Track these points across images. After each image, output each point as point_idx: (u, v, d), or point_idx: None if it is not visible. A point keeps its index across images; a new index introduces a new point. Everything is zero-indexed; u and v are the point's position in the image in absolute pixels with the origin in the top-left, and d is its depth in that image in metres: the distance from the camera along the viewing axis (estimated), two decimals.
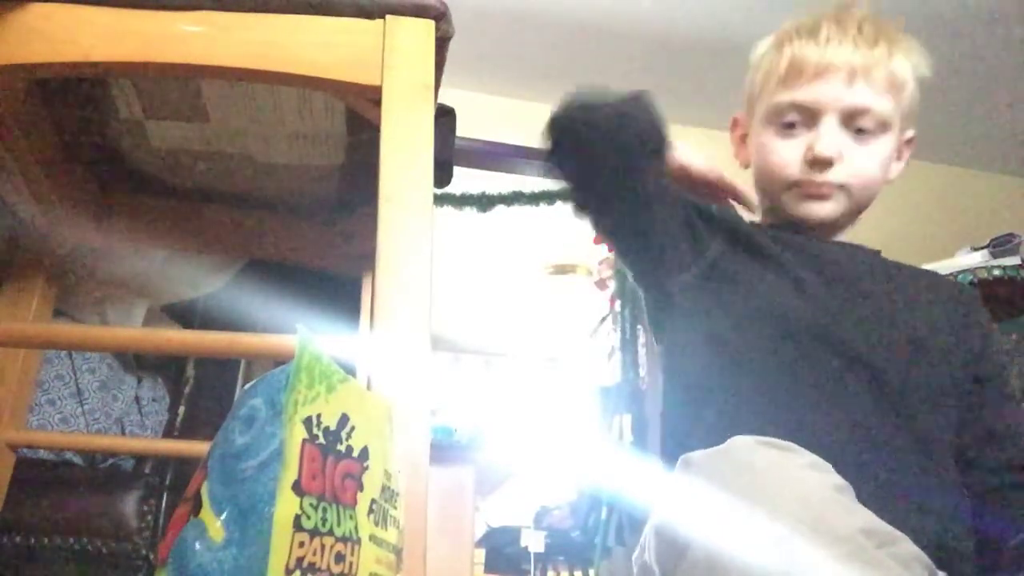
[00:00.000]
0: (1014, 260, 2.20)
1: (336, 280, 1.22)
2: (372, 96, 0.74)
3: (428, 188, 0.72)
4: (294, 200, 1.12)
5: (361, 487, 0.37)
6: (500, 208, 3.58)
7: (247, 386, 0.37)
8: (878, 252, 0.91)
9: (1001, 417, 0.82)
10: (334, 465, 0.35)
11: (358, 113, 0.82)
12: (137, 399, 1.28)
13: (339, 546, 0.35)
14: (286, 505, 0.32)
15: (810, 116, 0.86)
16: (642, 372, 2.45)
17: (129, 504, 1.14)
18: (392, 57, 0.74)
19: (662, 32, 2.90)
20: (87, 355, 1.24)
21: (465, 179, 3.41)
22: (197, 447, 1.13)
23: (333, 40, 0.74)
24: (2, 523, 1.04)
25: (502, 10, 2.83)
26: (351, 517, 0.36)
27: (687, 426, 0.78)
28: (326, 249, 1.15)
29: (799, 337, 0.78)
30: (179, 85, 0.88)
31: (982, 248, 2.29)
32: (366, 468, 0.38)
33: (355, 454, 0.37)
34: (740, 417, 0.74)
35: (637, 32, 2.91)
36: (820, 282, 0.83)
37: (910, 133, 0.93)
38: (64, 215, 1.00)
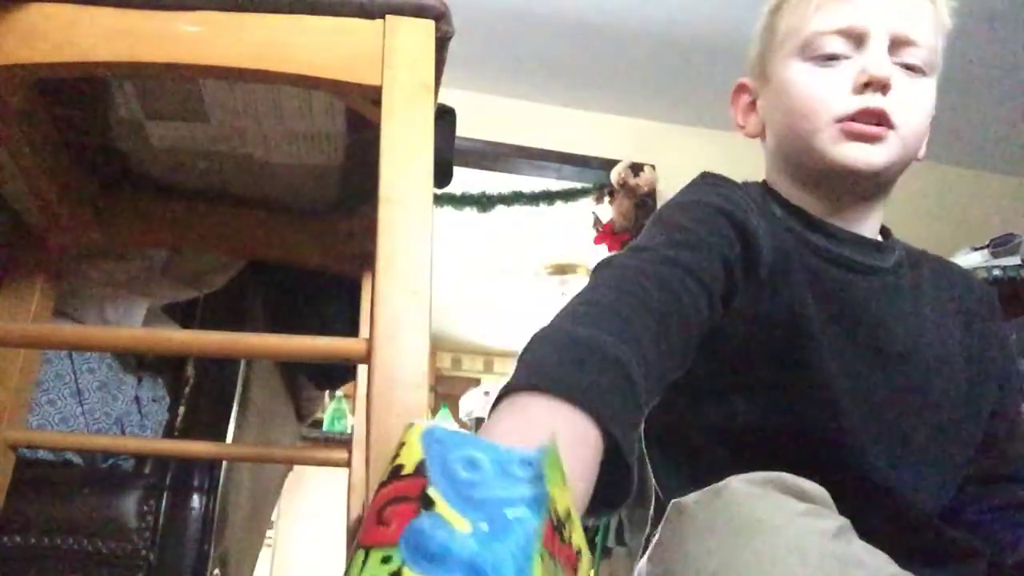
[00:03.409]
0: (1014, 260, 2.20)
1: (336, 280, 1.22)
2: (372, 96, 0.74)
3: (428, 188, 0.72)
4: (294, 200, 1.12)
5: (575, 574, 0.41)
6: (500, 208, 3.58)
7: (442, 429, 0.40)
8: (891, 244, 0.83)
9: (1012, 454, 0.82)
10: (561, 548, 0.39)
11: (358, 113, 0.82)
12: (137, 399, 1.28)
13: None
14: (538, 548, 0.35)
15: (856, 40, 0.75)
16: None
17: (129, 504, 1.14)
18: (392, 57, 0.74)
19: (663, 32, 2.90)
20: (87, 355, 1.24)
21: (465, 179, 3.41)
22: (197, 447, 1.13)
23: (333, 40, 0.74)
24: (2, 523, 1.04)
25: (502, 10, 2.83)
26: None
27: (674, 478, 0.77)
28: (326, 249, 1.15)
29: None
30: (179, 85, 0.88)
31: (982, 248, 2.29)
32: (579, 566, 0.41)
33: (574, 547, 0.40)
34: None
35: (638, 32, 2.91)
36: (838, 350, 0.73)
37: None
38: (64, 215, 1.00)
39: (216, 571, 1.21)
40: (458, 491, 0.37)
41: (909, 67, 0.76)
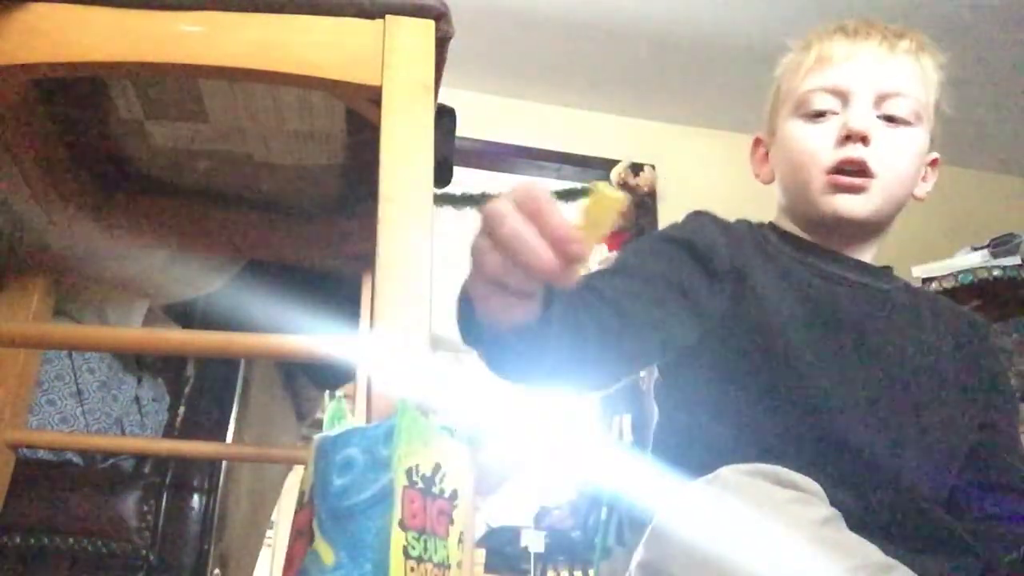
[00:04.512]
0: (1014, 260, 2.20)
1: (336, 280, 1.22)
2: (372, 96, 0.74)
3: (428, 188, 0.72)
4: (294, 200, 1.12)
5: (452, 521, 0.45)
6: None
7: (334, 435, 0.43)
8: (890, 274, 0.89)
9: (1006, 473, 0.83)
10: (432, 504, 0.44)
11: (358, 113, 0.82)
12: (137, 399, 1.28)
13: (436, 571, 0.43)
14: (396, 539, 0.40)
15: (841, 98, 0.83)
16: (642, 372, 2.45)
17: (129, 504, 1.14)
18: (392, 57, 0.74)
19: (663, 32, 2.90)
20: (87, 355, 1.24)
21: (465, 179, 3.41)
22: (197, 447, 1.13)
23: (333, 40, 0.74)
24: (2, 523, 1.04)
25: (502, 10, 2.83)
26: (444, 547, 0.44)
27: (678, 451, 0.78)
28: (326, 249, 1.15)
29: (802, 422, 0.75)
30: (179, 85, 0.88)
31: (982, 248, 2.29)
32: (455, 506, 0.45)
33: (447, 495, 0.45)
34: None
35: (638, 32, 2.90)
36: (819, 349, 0.77)
37: (934, 155, 0.91)
38: (64, 215, 1.00)
39: (216, 571, 1.21)
40: (332, 510, 0.41)
41: (892, 119, 0.82)
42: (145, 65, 0.74)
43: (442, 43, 0.77)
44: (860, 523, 0.59)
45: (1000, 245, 2.27)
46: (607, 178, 3.28)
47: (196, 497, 1.16)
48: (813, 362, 0.76)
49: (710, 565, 0.49)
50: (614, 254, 0.82)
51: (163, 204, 1.10)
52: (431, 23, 0.76)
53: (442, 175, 0.86)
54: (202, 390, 1.26)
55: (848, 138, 0.81)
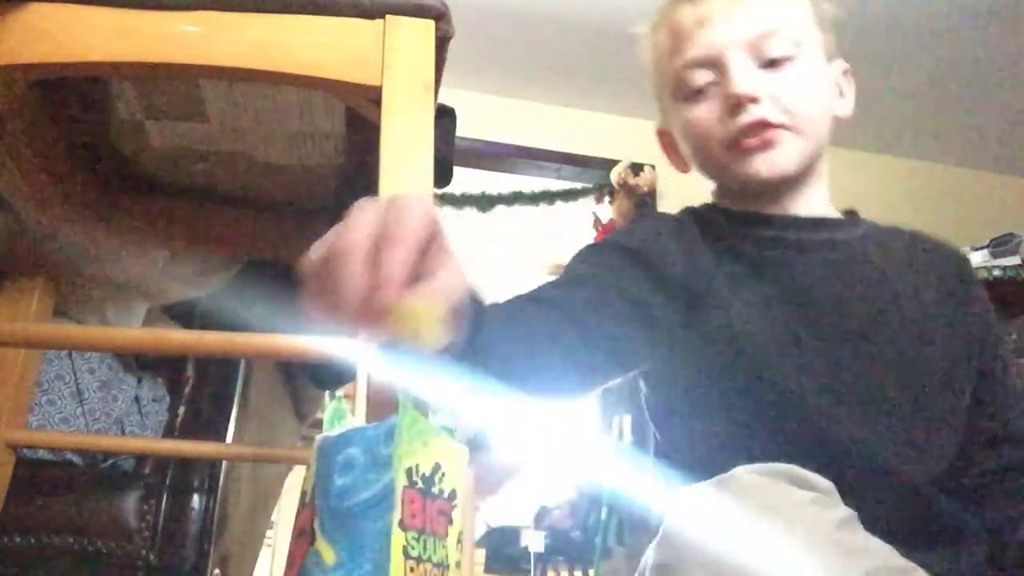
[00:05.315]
0: (1014, 260, 2.20)
1: None
2: (372, 96, 0.74)
3: (428, 188, 0.72)
4: (294, 200, 1.12)
5: (451, 521, 0.46)
6: (500, 208, 3.58)
7: (335, 435, 0.43)
8: (854, 219, 0.83)
9: (1006, 416, 0.80)
10: (431, 504, 0.44)
11: (358, 113, 0.82)
12: (137, 399, 1.28)
13: (435, 571, 0.44)
14: (396, 539, 0.41)
15: (713, 66, 0.77)
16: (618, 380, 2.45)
17: (129, 504, 1.14)
18: (392, 57, 0.74)
19: None
20: (87, 355, 1.24)
21: (465, 179, 3.41)
22: (197, 447, 1.13)
23: (333, 40, 0.74)
24: (2, 523, 1.04)
25: (502, 10, 2.83)
26: (443, 547, 0.45)
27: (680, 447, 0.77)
28: None
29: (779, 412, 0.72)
30: (179, 85, 0.88)
31: (982, 248, 2.29)
32: (454, 506, 0.46)
33: (446, 495, 0.46)
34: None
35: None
36: (783, 341, 0.73)
37: (842, 65, 0.84)
38: (64, 215, 1.00)
39: (216, 571, 1.21)
40: (333, 510, 0.41)
41: (774, 61, 0.77)
42: (145, 65, 0.74)
43: (442, 43, 0.77)
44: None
45: (1000, 245, 2.27)
46: (607, 178, 3.28)
47: (196, 497, 1.16)
48: (779, 360, 0.72)
49: (729, 567, 0.48)
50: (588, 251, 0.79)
51: (163, 204, 1.10)
52: (431, 23, 0.76)
53: (442, 175, 0.86)
54: (202, 390, 1.25)
55: (736, 105, 0.75)
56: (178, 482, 1.17)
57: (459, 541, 0.46)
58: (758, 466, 0.54)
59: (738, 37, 0.76)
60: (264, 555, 2.39)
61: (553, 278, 0.75)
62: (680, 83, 0.79)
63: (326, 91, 0.83)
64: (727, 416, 0.73)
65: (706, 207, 0.85)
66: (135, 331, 1.17)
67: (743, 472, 0.53)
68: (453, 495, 0.46)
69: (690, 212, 0.85)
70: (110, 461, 1.22)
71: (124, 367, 1.29)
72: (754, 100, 0.75)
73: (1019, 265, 2.18)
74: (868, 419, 0.72)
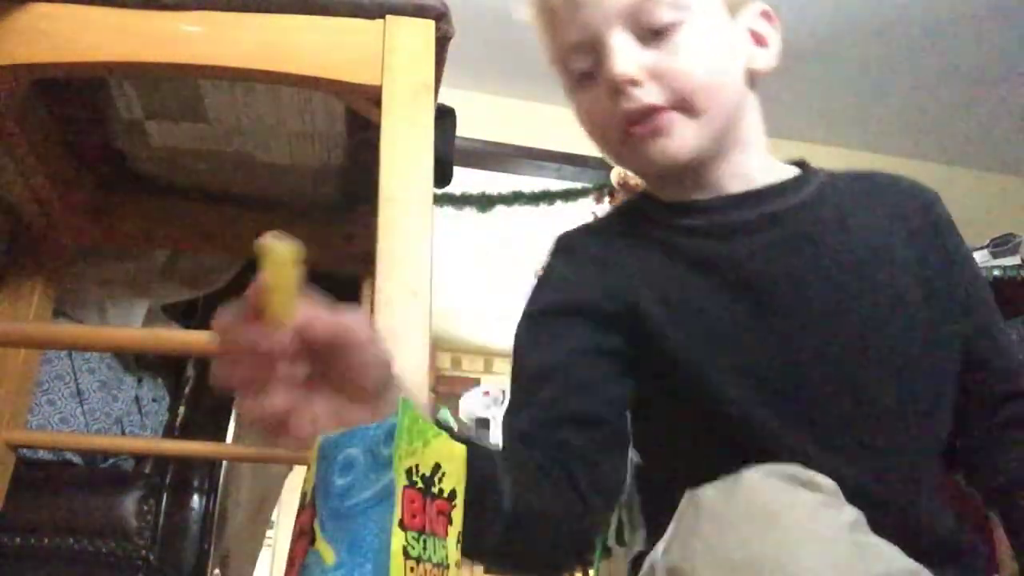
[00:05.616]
0: (1014, 260, 2.20)
1: (336, 280, 1.22)
2: (372, 96, 0.74)
3: (428, 188, 0.72)
4: (294, 200, 1.12)
5: (451, 521, 0.46)
6: (500, 208, 3.58)
7: (335, 435, 0.44)
8: (804, 176, 0.73)
9: (1004, 372, 0.73)
10: (431, 504, 0.45)
11: (358, 113, 0.82)
12: (137, 399, 1.28)
13: (435, 571, 0.44)
14: (396, 539, 0.41)
15: (590, 49, 0.68)
16: None
17: (129, 504, 1.14)
18: (392, 57, 0.74)
19: None
20: (87, 355, 1.24)
21: (465, 179, 3.41)
22: (197, 447, 1.13)
23: (333, 40, 0.74)
24: (2, 523, 1.04)
25: (502, 10, 2.83)
26: (443, 547, 0.45)
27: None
28: (326, 249, 1.15)
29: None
30: (179, 85, 0.88)
31: (982, 248, 2.29)
32: (454, 506, 0.47)
33: (446, 495, 0.46)
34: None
35: None
36: (731, 352, 0.65)
37: (755, 8, 0.73)
38: (64, 215, 1.00)
39: (216, 571, 1.21)
40: (333, 510, 0.42)
41: (656, 32, 0.66)
42: (145, 65, 0.74)
43: (442, 43, 0.77)
44: None
45: (1000, 245, 2.27)
46: (607, 178, 3.28)
47: (196, 497, 1.16)
48: (723, 381, 0.65)
49: (745, 570, 0.48)
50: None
51: (163, 204, 1.10)
52: (431, 23, 0.76)
53: (442, 175, 0.86)
54: (202, 390, 1.26)
55: (617, 91, 0.66)
56: (178, 482, 1.17)
57: (459, 541, 0.47)
58: (765, 467, 0.53)
59: (612, 12, 0.67)
60: (264, 555, 2.39)
61: (521, 389, 0.68)
62: (564, 71, 0.71)
63: (326, 91, 0.83)
64: (688, 445, 0.68)
65: (638, 199, 0.77)
66: (135, 331, 1.17)
67: (751, 474, 0.51)
68: (453, 495, 0.46)
69: (617, 214, 0.79)
70: (110, 461, 1.22)
71: (124, 367, 1.29)
72: (634, 83, 0.66)
73: (1019, 265, 2.17)
74: (834, 443, 0.64)
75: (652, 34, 0.66)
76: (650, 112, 0.66)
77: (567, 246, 0.75)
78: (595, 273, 0.70)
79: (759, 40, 0.72)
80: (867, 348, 0.66)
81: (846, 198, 0.73)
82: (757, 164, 0.73)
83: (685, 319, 0.67)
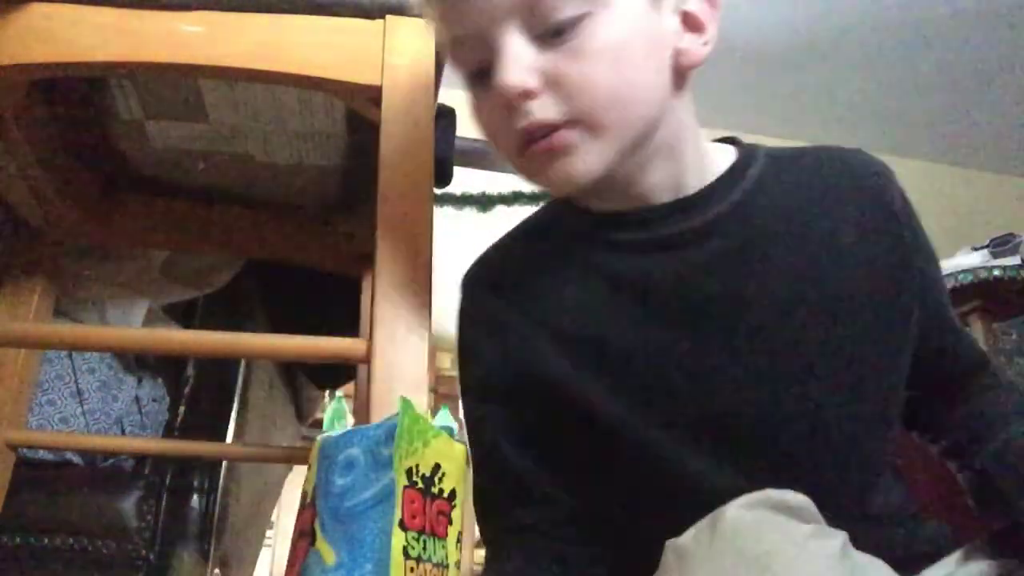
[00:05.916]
0: (1014, 260, 2.20)
1: (336, 280, 1.22)
2: (372, 96, 0.74)
3: (428, 188, 0.72)
4: (294, 200, 1.12)
5: (451, 522, 0.46)
6: (500, 208, 3.58)
7: (336, 436, 0.44)
8: (739, 171, 0.64)
9: (953, 357, 0.69)
10: (431, 504, 0.45)
11: (358, 113, 0.82)
12: (137, 399, 1.28)
13: (434, 571, 0.44)
14: (397, 539, 0.41)
15: (484, 47, 0.57)
16: None
17: (129, 504, 1.14)
18: (392, 57, 0.74)
19: None
20: (87, 355, 1.24)
21: (465, 179, 3.41)
22: (197, 447, 1.13)
23: (333, 40, 0.74)
24: (2, 523, 1.04)
25: None
26: (443, 547, 0.45)
27: None
28: (326, 249, 1.15)
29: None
30: (179, 85, 0.88)
31: (982, 248, 2.29)
32: (454, 506, 0.47)
33: (445, 495, 0.46)
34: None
35: None
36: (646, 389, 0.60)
37: None
38: (64, 215, 1.00)
39: (216, 571, 1.21)
40: (333, 511, 0.42)
41: (561, 28, 0.55)
42: (145, 65, 0.74)
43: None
44: None
45: (1000, 245, 2.27)
46: None
47: (196, 497, 1.16)
48: (656, 440, 0.60)
49: None
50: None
51: (163, 204, 1.10)
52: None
53: (442, 175, 0.86)
54: (202, 390, 1.26)
55: (507, 106, 0.56)
56: (178, 482, 1.17)
57: (459, 541, 0.47)
58: (743, 500, 0.48)
59: (499, 10, 0.56)
60: (264, 555, 2.38)
61: (498, 504, 0.61)
62: (454, 64, 0.60)
63: (326, 91, 0.83)
64: (624, 499, 0.63)
65: (561, 205, 0.68)
66: (135, 331, 1.17)
67: (731, 512, 0.47)
68: (453, 495, 0.47)
69: (535, 227, 0.70)
70: (110, 461, 1.22)
71: (124, 367, 1.29)
72: (528, 95, 0.55)
73: (1019, 265, 2.17)
74: (786, 475, 0.57)
75: (552, 31, 0.55)
76: (548, 129, 0.56)
77: (470, 295, 0.68)
78: (495, 342, 0.64)
79: (694, 25, 0.60)
80: (814, 365, 0.61)
81: (789, 186, 0.64)
82: (686, 167, 0.63)
83: (601, 366, 0.61)
